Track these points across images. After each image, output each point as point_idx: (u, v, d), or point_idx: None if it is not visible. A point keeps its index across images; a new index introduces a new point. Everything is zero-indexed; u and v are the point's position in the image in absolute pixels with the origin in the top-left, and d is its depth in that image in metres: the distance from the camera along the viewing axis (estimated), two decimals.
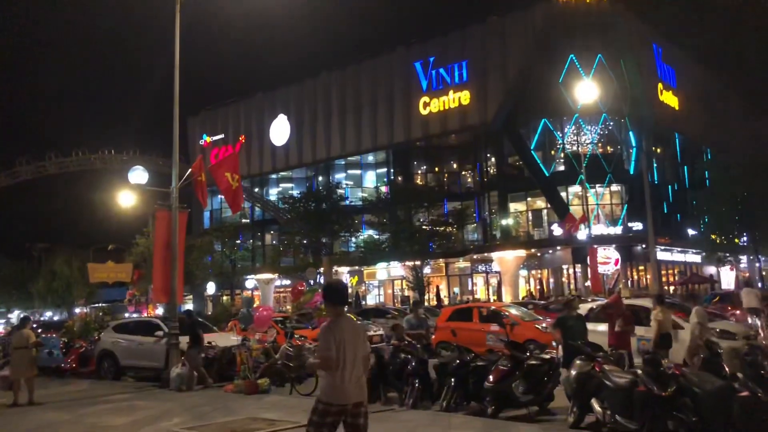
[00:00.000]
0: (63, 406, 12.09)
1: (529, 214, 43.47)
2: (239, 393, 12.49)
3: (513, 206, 43.93)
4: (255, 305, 13.44)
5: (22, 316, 15.16)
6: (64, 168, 29.05)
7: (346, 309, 5.53)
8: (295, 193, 50.28)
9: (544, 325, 17.07)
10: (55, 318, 50.35)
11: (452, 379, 10.23)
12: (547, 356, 10.40)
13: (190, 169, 15.43)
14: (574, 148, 41.55)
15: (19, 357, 12.64)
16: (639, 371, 8.04)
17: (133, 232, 46.15)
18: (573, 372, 8.94)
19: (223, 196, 16.35)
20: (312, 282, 41.05)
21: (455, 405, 10.18)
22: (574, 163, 39.92)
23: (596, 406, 8.33)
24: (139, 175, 15.22)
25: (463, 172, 49.50)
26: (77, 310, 49.07)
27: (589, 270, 32.07)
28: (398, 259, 43.04)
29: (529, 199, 43.41)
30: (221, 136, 55.29)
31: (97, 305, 52.43)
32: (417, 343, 12.08)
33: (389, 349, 12.00)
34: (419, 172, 50.05)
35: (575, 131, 41.80)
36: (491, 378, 9.73)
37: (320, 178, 52.64)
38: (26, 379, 12.58)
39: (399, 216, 43.03)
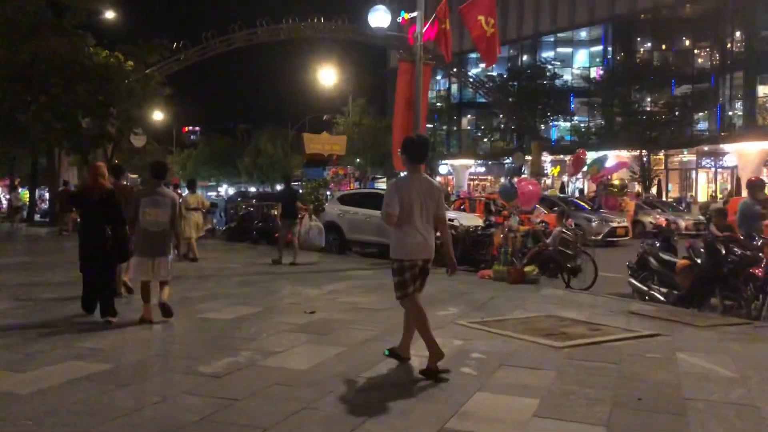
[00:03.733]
0: (302, 278, 10.66)
1: None
2: (500, 281, 10.26)
3: (762, 89, 36.99)
4: (517, 178, 11.02)
5: (189, 179, 15.64)
6: (275, 35, 27.86)
7: (422, 166, 5.20)
8: (495, 73, 46.55)
9: None
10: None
11: None
12: None
13: (434, 16, 12.85)
14: None
15: (195, 217, 13.25)
16: None
17: (333, 111, 45.83)
18: None
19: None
20: (520, 168, 38.13)
21: None
22: None
23: None
24: (380, 16, 12.93)
25: (696, 50, 42.57)
26: (278, 186, 50.57)
27: None
28: (614, 147, 38.51)
29: None
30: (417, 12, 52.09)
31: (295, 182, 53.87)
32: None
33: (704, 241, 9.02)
34: (642, 50, 43.75)
35: None
36: None
37: (524, 58, 48.19)
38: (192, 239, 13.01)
39: (618, 99, 37.99)
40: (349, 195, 16.88)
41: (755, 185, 9.17)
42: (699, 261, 8.49)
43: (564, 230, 10.57)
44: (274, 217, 19.58)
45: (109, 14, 26.25)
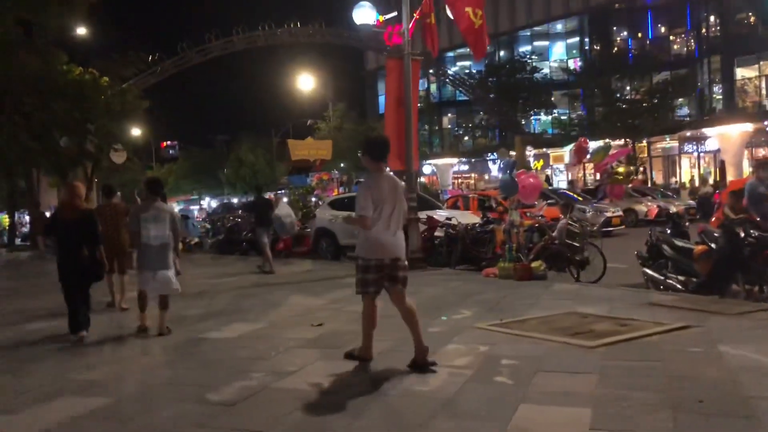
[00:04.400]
0: (300, 288, 10.23)
1: (763, 80, 36.47)
2: (506, 278, 9.88)
3: (740, 72, 37.06)
4: (517, 171, 10.63)
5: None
6: (252, 42, 27.30)
7: (386, 165, 5.34)
8: (474, 70, 46.39)
9: None
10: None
11: None
12: None
13: (419, 9, 12.48)
14: None
15: None
16: None
17: (313, 117, 45.40)
18: None
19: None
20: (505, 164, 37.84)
21: None
22: None
23: None
24: (365, 13, 12.51)
25: (672, 37, 42.63)
26: (266, 195, 49.86)
27: None
28: (596, 137, 38.39)
29: (762, 62, 36.25)
30: (394, 13, 51.77)
31: (281, 191, 53.40)
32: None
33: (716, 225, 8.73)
34: (618, 39, 43.74)
35: None
36: None
37: (501, 53, 48.06)
38: None
39: (598, 89, 37.88)
40: (341, 200, 16.42)
41: (761, 165, 8.90)
42: (714, 246, 8.18)
43: (570, 222, 10.24)
44: None
45: (81, 30, 25.58)
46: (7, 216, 32.83)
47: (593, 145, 38.12)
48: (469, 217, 13.83)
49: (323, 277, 11.60)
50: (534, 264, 9.98)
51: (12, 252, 24.33)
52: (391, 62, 12.37)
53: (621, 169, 10.17)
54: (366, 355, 5.30)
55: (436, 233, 13.08)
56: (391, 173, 5.39)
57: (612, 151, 11.46)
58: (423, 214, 12.97)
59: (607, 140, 23.93)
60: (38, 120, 20.81)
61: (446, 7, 12.02)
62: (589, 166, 42.80)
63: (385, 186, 5.10)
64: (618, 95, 37.67)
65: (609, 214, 18.66)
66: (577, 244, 10.04)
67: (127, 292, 8.70)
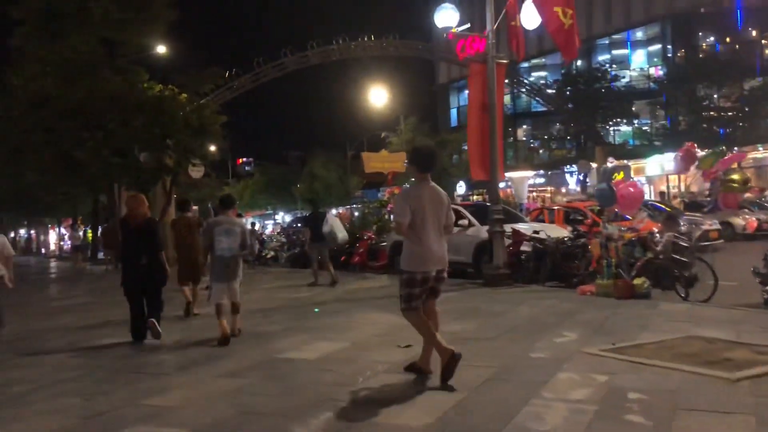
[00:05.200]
0: (379, 305, 9.64)
1: None
2: (605, 296, 9.03)
3: None
4: (616, 179, 9.82)
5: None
6: (326, 57, 27.39)
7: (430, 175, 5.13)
8: (550, 80, 45.18)
9: None
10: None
11: None
12: None
13: (504, 10, 11.83)
14: None
15: None
16: None
17: (385, 130, 45.18)
18: None
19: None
20: (584, 177, 36.43)
21: None
22: None
23: None
24: (447, 15, 11.94)
25: (764, 40, 40.24)
26: (334, 211, 49.97)
27: None
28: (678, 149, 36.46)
29: None
30: (467, 25, 51.11)
31: (351, 206, 53.37)
32: None
33: None
34: (704, 44, 41.61)
35: None
36: None
37: (578, 62, 46.59)
38: None
39: (685, 97, 36.06)
40: None
41: None
42: None
43: (677, 235, 9.29)
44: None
45: (160, 48, 26.17)
46: (90, 230, 33.84)
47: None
48: (557, 231, 12.96)
49: (396, 294, 10.99)
50: (636, 281, 9.08)
51: (94, 265, 24.90)
52: (474, 67, 11.72)
53: (736, 176, 9.09)
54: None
55: (522, 247, 12.31)
56: (434, 184, 5.17)
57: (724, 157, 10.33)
58: (508, 228, 12.20)
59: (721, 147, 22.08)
60: (120, 136, 21.21)
61: (519, 15, 11.36)
62: (673, 177, 40.79)
63: (426, 196, 5.01)
64: (706, 103, 35.76)
65: (706, 228, 17.29)
66: (685, 260, 9.07)
67: (201, 305, 8.68)
